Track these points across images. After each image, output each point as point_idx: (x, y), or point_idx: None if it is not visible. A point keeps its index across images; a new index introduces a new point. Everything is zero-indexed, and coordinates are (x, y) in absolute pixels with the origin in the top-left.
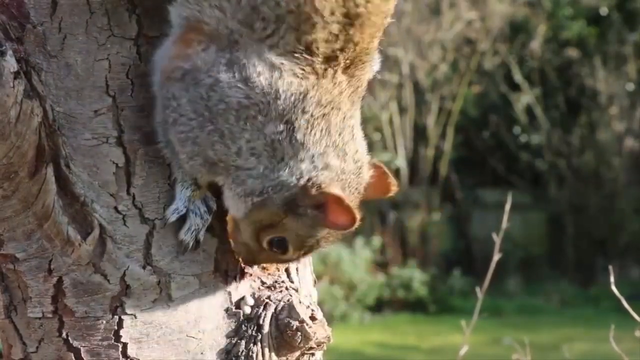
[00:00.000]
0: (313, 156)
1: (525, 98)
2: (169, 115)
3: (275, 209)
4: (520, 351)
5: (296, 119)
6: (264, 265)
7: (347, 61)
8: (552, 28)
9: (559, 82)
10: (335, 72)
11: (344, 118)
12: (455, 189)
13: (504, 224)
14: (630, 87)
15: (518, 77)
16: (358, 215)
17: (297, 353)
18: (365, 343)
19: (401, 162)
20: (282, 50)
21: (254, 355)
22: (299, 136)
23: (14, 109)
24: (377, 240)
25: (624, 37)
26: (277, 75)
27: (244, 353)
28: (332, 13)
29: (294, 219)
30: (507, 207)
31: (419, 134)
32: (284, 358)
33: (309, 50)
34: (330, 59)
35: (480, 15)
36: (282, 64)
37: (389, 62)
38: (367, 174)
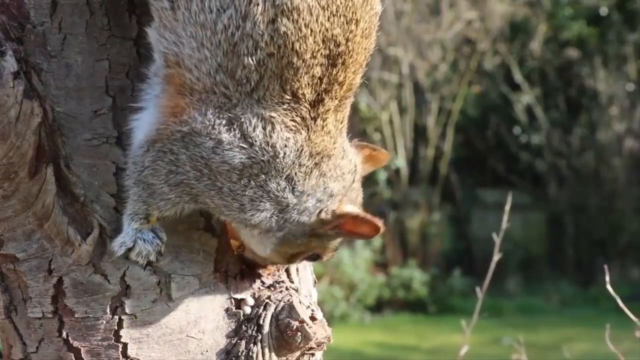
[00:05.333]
0: (315, 196)
1: (525, 98)
2: (161, 165)
3: (299, 241)
4: (520, 351)
5: (295, 173)
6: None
7: (335, 101)
8: (552, 28)
9: (559, 82)
10: (325, 120)
11: (335, 157)
12: (455, 189)
13: (504, 224)
14: (631, 87)
15: (518, 77)
16: (379, 223)
17: (297, 353)
18: (365, 343)
19: (401, 162)
20: (270, 102)
21: (254, 355)
22: (299, 187)
23: (14, 109)
24: (377, 240)
25: (624, 37)
26: (272, 130)
27: (244, 353)
28: (314, 56)
29: (320, 240)
30: (507, 207)
31: (419, 134)
32: (284, 358)
33: (296, 98)
34: (317, 103)
35: (480, 15)
36: (273, 117)
37: (388, 62)
38: (360, 169)
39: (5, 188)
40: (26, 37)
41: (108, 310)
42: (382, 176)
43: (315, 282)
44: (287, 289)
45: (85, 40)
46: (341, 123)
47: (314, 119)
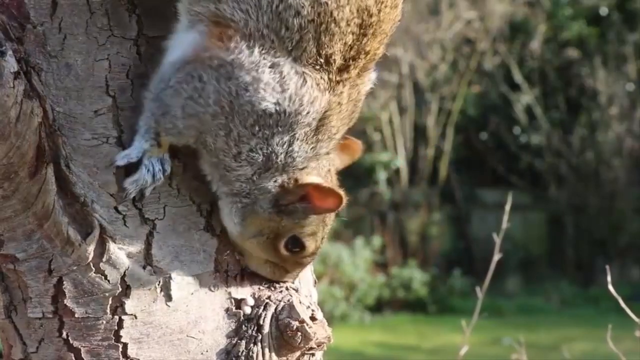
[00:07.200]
0: (295, 166)
1: (525, 98)
2: (184, 89)
3: (267, 215)
4: (520, 351)
5: (299, 131)
6: None
7: (357, 70)
8: (552, 28)
9: (559, 82)
10: (345, 86)
11: (332, 131)
12: (455, 189)
13: (504, 224)
14: (630, 87)
15: (518, 77)
16: (342, 193)
17: (298, 353)
18: (365, 343)
19: (401, 162)
20: (305, 62)
21: (254, 356)
22: (295, 147)
23: (14, 109)
24: (377, 241)
25: (624, 37)
26: (303, 85)
27: (244, 353)
28: (348, 24)
29: (289, 218)
30: (508, 207)
31: (419, 134)
32: (284, 358)
33: (328, 62)
34: (343, 70)
35: (479, 14)
36: (308, 74)
37: (388, 62)
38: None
39: (5, 188)
40: (26, 37)
41: (108, 311)
42: (382, 176)
43: (315, 282)
44: (287, 289)
45: (85, 40)
46: (355, 96)
47: (338, 83)
